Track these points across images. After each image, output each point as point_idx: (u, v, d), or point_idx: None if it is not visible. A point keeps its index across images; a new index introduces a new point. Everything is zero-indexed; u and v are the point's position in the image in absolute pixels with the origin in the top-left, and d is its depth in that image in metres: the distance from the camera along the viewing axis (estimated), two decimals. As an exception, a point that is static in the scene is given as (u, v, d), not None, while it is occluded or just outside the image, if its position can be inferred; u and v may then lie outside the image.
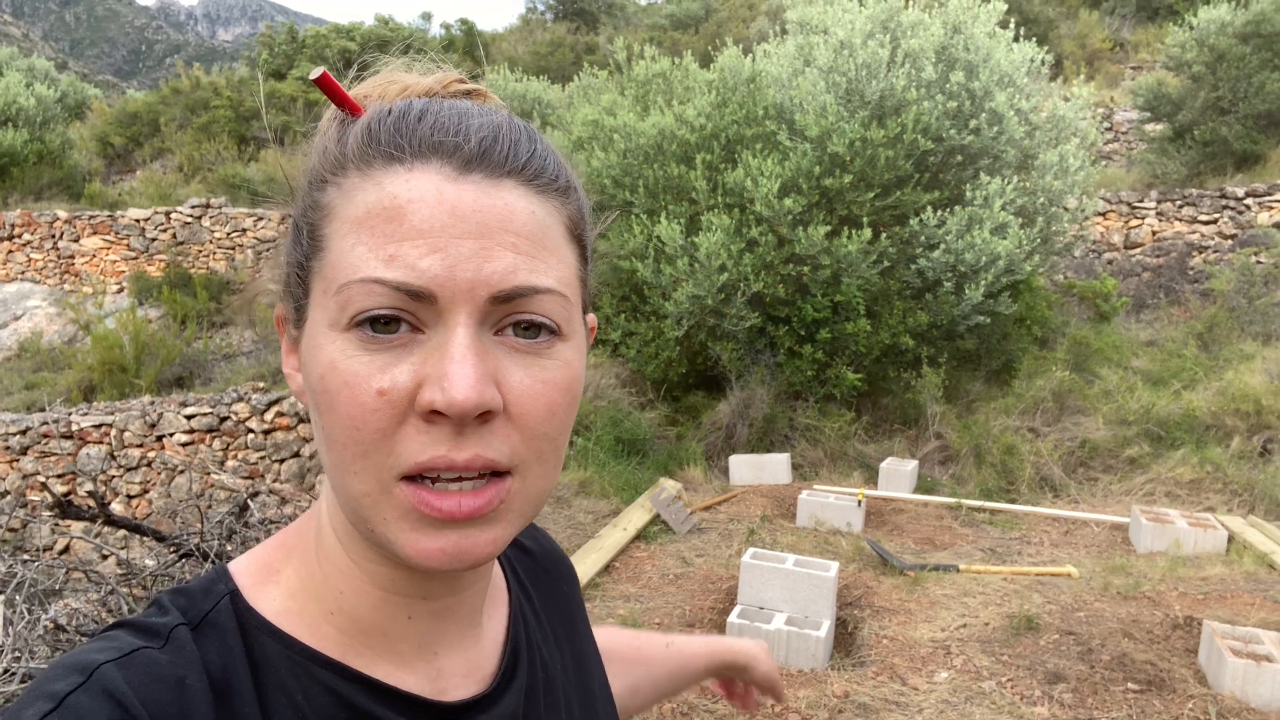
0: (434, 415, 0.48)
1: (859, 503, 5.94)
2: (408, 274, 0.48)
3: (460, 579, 0.60)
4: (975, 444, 7.09)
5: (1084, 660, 3.87)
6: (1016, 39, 8.12)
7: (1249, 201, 11.20)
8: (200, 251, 13.00)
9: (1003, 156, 7.81)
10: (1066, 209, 8.29)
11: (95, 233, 13.21)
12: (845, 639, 4.35)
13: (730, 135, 7.96)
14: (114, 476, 7.00)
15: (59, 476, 6.97)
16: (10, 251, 13.45)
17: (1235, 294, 9.65)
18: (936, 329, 7.64)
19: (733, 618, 4.16)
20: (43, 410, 7.56)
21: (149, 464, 6.99)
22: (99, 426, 7.03)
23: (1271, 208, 11.08)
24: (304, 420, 6.87)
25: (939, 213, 7.50)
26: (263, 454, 6.86)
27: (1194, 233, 11.43)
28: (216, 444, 6.94)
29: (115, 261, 13.15)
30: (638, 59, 9.63)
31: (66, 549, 6.75)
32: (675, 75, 9.38)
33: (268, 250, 12.89)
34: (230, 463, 6.91)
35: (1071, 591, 4.74)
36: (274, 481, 6.76)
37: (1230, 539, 5.48)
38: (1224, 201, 11.31)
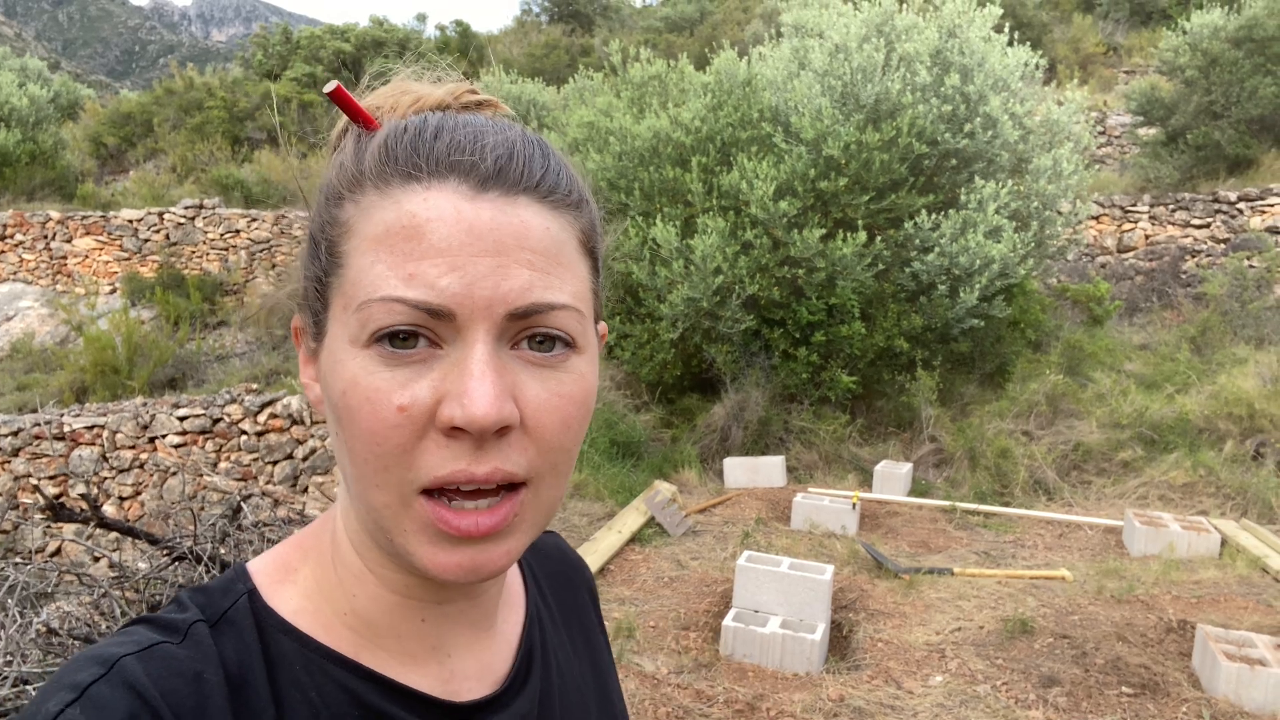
0: (454, 431, 0.49)
1: (854, 506, 5.94)
2: (427, 292, 0.49)
3: (473, 585, 0.60)
4: (969, 447, 7.10)
5: (1078, 664, 3.88)
6: (1011, 43, 8.14)
7: (1241, 206, 11.25)
8: (193, 252, 12.95)
9: (997, 160, 7.83)
10: (1060, 213, 8.31)
11: (88, 233, 13.15)
12: (840, 642, 4.35)
13: (725, 138, 7.97)
14: (106, 478, 6.96)
15: (51, 478, 6.94)
16: (2, 252, 13.37)
17: (1228, 298, 9.69)
18: (931, 332, 7.66)
19: (728, 621, 4.16)
20: (35, 411, 7.52)
21: (141, 466, 6.95)
22: (91, 428, 7.00)
23: (1264, 212, 11.13)
24: (297, 422, 6.85)
25: (933, 216, 7.52)
26: (256, 456, 6.83)
27: (1187, 237, 11.47)
28: (209, 446, 6.91)
29: (108, 262, 13.09)
30: (633, 61, 9.62)
31: (58, 551, 6.71)
32: (671, 78, 9.38)
33: (261, 251, 12.85)
34: (223, 464, 6.88)
35: (1065, 595, 4.75)
36: (267, 483, 6.74)
37: (1223, 542, 5.50)
38: (1216, 205, 11.36)
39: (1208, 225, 11.40)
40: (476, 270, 0.50)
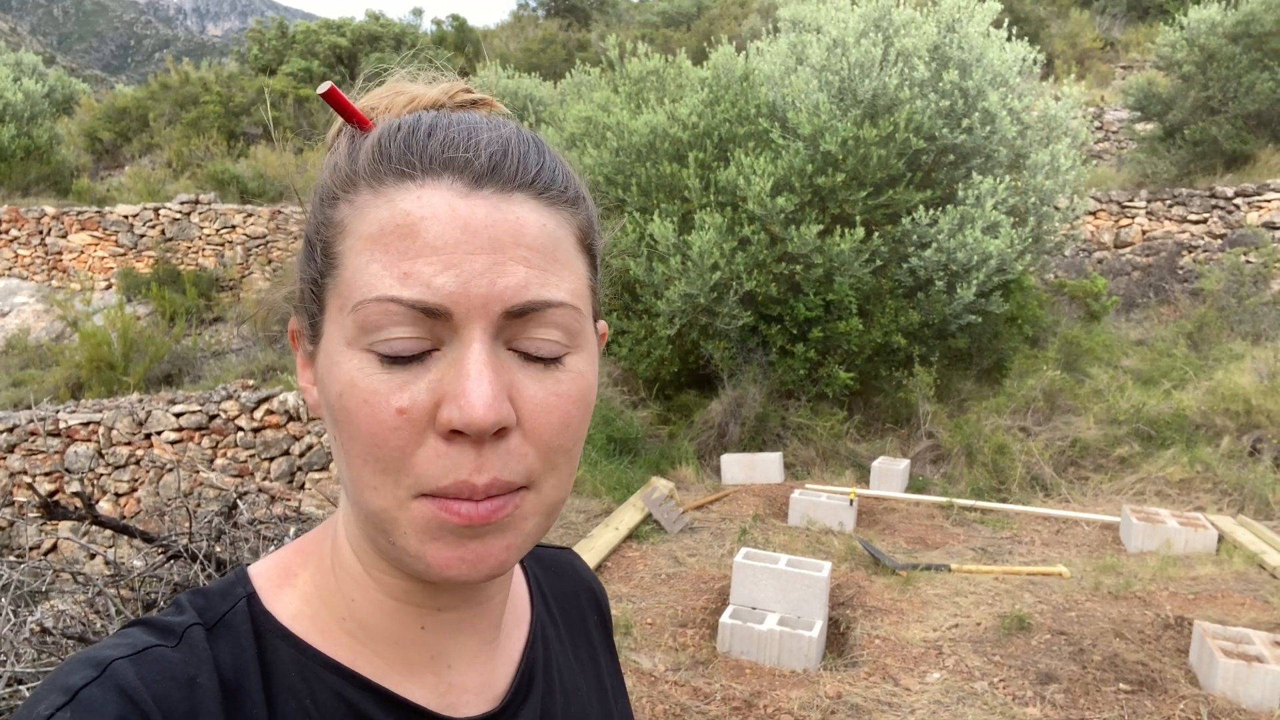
0: (453, 434, 0.49)
1: (851, 502, 5.94)
2: (423, 291, 0.49)
3: (476, 591, 0.60)
4: (966, 443, 7.10)
5: (1075, 660, 3.88)
6: (1009, 38, 8.13)
7: (1238, 201, 11.26)
8: (189, 248, 12.92)
9: (995, 156, 7.82)
10: (1057, 208, 8.31)
11: (83, 229, 13.11)
12: (837, 639, 4.35)
13: (723, 133, 7.95)
14: (102, 475, 6.94)
15: (46, 475, 6.92)
16: (-3, 247, 13.34)
17: (1225, 293, 9.70)
18: (928, 328, 7.65)
19: (725, 618, 4.15)
20: (30, 407, 7.49)
21: (137, 462, 6.93)
22: (87, 424, 6.97)
23: (1261, 207, 11.14)
24: (294, 418, 6.83)
25: (931, 212, 7.51)
26: (252, 452, 6.81)
27: (1184, 232, 11.48)
28: (205, 442, 6.89)
29: (103, 258, 13.06)
30: (630, 56, 9.60)
31: (54, 548, 6.69)
32: (668, 73, 9.35)
33: (257, 246, 12.81)
34: (219, 461, 6.86)
35: (1063, 591, 4.75)
36: (263, 480, 6.72)
37: (1220, 538, 5.50)
38: (1213, 201, 11.37)
39: (1205, 221, 11.41)
40: (472, 268, 0.49)
